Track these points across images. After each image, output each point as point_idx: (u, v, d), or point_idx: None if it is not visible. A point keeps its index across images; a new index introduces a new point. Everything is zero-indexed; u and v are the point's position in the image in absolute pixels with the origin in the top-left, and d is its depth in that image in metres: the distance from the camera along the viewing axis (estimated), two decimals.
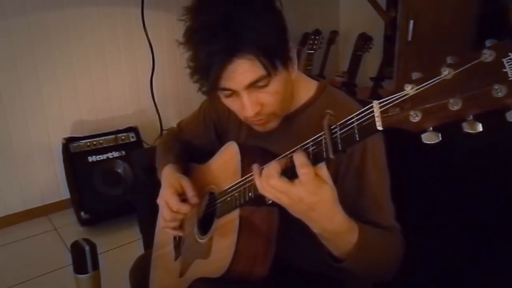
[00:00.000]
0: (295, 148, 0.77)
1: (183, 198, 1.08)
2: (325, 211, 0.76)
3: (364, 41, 3.18)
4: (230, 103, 0.96)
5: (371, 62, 3.37)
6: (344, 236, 0.81)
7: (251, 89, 0.89)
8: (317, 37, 3.11)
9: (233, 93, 0.91)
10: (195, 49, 0.88)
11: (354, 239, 0.81)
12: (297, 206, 0.76)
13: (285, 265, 1.00)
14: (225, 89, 0.90)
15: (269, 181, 0.76)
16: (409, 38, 2.67)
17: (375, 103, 0.60)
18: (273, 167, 0.76)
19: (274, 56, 0.86)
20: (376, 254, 0.87)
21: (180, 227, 1.14)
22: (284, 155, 0.79)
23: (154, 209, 1.24)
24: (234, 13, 0.83)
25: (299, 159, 0.72)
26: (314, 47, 3.10)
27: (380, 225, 0.91)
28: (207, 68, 0.86)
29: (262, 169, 0.81)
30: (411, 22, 2.63)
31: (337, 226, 0.79)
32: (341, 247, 0.83)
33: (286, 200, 0.76)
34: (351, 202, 0.92)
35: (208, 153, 1.19)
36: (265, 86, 0.89)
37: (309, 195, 0.73)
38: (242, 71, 0.85)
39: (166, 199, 1.07)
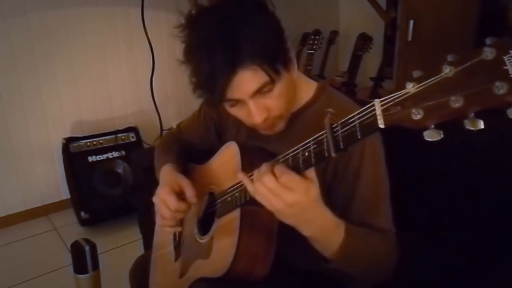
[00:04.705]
0: (292, 149, 0.78)
1: (181, 197, 1.08)
2: (315, 210, 0.79)
3: (364, 41, 3.18)
4: (237, 112, 0.95)
5: (371, 62, 3.37)
6: (332, 232, 0.83)
7: (256, 96, 0.88)
8: (317, 37, 3.11)
9: (238, 102, 0.90)
10: (197, 65, 0.88)
11: (341, 235, 0.84)
12: (290, 209, 0.77)
13: (285, 265, 1.00)
14: (230, 100, 0.90)
15: (262, 178, 0.76)
16: (409, 38, 2.66)
17: (377, 101, 0.60)
18: (267, 165, 0.78)
19: (275, 61, 0.86)
20: (364, 253, 0.88)
21: (178, 224, 1.14)
22: (278, 157, 0.81)
23: (154, 209, 1.24)
24: (230, 25, 0.83)
25: (278, 170, 0.75)
26: (314, 47, 3.10)
27: (373, 227, 0.91)
28: (211, 83, 0.85)
29: (251, 175, 0.82)
30: (411, 22, 2.63)
31: (326, 222, 0.82)
32: (330, 246, 0.84)
33: (277, 203, 0.76)
34: (346, 203, 0.93)
35: (208, 154, 1.19)
36: (270, 91, 0.89)
37: (301, 196, 0.75)
38: (247, 80, 0.85)
39: (164, 198, 1.07)
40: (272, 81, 0.87)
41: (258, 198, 0.79)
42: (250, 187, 0.81)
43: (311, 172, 0.77)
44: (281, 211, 0.78)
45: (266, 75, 0.85)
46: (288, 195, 0.75)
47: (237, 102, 0.91)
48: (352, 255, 0.86)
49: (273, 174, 0.76)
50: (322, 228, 0.82)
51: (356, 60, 3.21)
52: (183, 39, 0.89)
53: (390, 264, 0.92)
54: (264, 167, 0.79)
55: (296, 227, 0.81)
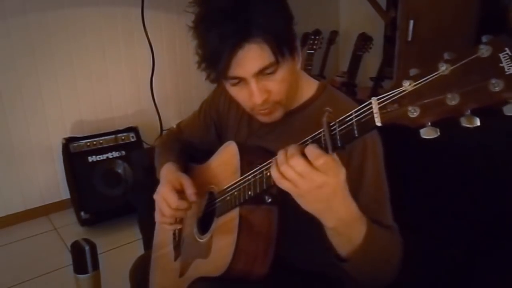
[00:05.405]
0: (311, 136, 0.75)
1: (182, 196, 1.07)
2: (343, 197, 0.76)
3: (364, 41, 3.18)
4: (237, 92, 0.95)
5: (371, 62, 3.37)
6: (356, 226, 0.81)
7: (259, 77, 0.89)
8: (317, 37, 3.11)
9: (240, 81, 0.91)
10: (206, 34, 0.88)
11: (364, 230, 0.81)
12: (318, 192, 0.72)
13: (285, 264, 0.99)
14: (233, 77, 0.90)
15: (290, 161, 0.71)
16: (409, 38, 2.66)
17: (374, 99, 0.61)
18: (295, 147, 0.74)
19: (282, 43, 0.87)
20: (382, 250, 0.87)
21: (177, 221, 1.13)
22: (303, 141, 0.77)
23: (154, 209, 1.24)
24: (244, 0, 0.84)
25: (313, 152, 0.70)
26: (314, 47, 3.09)
27: (381, 225, 0.90)
28: (217, 53, 0.86)
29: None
30: (411, 22, 2.63)
31: (352, 214, 0.79)
32: (351, 241, 0.82)
33: (305, 185, 0.71)
34: None
35: (208, 153, 1.19)
36: (273, 73, 0.90)
37: (331, 178, 0.71)
38: (252, 57, 0.86)
39: (164, 195, 1.07)
40: (277, 62, 0.87)
41: (282, 183, 0.74)
42: (275, 173, 0.75)
43: (336, 157, 0.73)
44: (308, 194, 0.73)
45: (272, 55, 0.86)
46: (319, 176, 0.70)
47: (239, 81, 0.91)
48: (371, 253, 0.83)
49: (303, 156, 0.71)
50: (346, 219, 0.78)
51: (356, 60, 3.21)
52: (195, 11, 0.90)
53: (399, 263, 0.90)
54: (292, 149, 0.73)
55: (319, 216, 0.77)
